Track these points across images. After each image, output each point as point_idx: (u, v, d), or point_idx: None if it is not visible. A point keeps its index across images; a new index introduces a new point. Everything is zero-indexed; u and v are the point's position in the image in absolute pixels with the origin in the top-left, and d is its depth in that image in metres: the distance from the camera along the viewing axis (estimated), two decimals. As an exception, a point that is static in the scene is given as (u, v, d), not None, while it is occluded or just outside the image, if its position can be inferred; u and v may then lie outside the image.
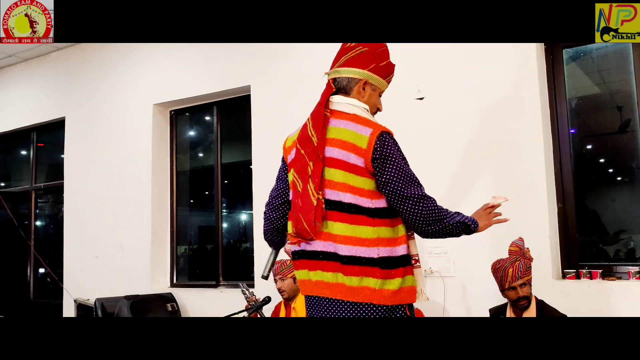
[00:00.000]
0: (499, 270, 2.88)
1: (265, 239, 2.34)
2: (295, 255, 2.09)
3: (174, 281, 5.02)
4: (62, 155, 5.67)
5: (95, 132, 5.37)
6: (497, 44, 3.46)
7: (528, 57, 3.42)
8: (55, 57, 5.77)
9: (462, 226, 1.98)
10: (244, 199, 4.85)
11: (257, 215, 4.36)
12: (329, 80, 2.08)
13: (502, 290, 2.90)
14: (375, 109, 2.12)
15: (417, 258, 2.01)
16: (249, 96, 4.54)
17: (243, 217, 5.17)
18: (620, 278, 3.21)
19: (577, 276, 3.28)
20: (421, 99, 3.41)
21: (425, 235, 1.98)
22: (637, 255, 3.44)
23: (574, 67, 3.71)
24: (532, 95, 3.40)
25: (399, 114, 3.46)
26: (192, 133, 5.32)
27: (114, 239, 5.10)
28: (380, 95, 2.13)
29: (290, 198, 2.09)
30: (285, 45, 4.31)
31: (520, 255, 2.90)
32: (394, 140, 1.96)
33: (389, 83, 2.13)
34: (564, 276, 3.32)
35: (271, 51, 4.39)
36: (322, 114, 1.99)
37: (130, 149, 5.11)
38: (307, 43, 4.19)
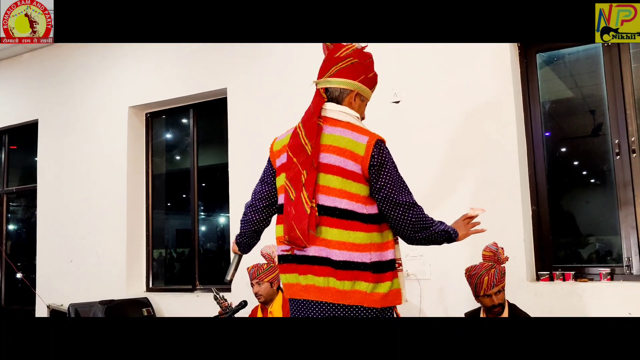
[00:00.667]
0: (474, 277, 2.85)
1: (238, 241, 2.34)
2: (284, 259, 2.10)
3: (150, 285, 4.96)
4: (35, 159, 5.57)
5: (70, 135, 5.29)
6: (472, 48, 3.49)
7: (503, 60, 3.46)
8: (27, 58, 5.67)
9: (445, 235, 2.09)
10: (222, 202, 4.82)
11: (233, 219, 4.34)
12: (319, 90, 2.10)
13: (477, 296, 2.89)
14: (361, 118, 2.18)
15: (400, 262, 2.08)
16: (225, 99, 4.52)
17: (221, 220, 5.14)
18: (592, 279, 3.26)
19: (551, 278, 3.32)
20: (397, 102, 3.43)
21: (412, 241, 2.06)
22: (608, 257, 3.50)
23: (547, 71, 3.76)
24: (507, 99, 3.43)
25: (375, 117, 3.46)
26: (168, 136, 5.27)
27: (89, 243, 5.03)
28: (365, 105, 2.19)
29: (280, 202, 2.11)
30: (262, 48, 4.30)
31: (494, 261, 2.88)
32: (387, 148, 2.03)
33: (372, 93, 2.19)
34: (537, 278, 3.36)
35: (248, 54, 4.37)
36: (315, 124, 2.01)
37: (105, 152, 5.04)
38: (283, 46, 4.19)
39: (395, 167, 2.02)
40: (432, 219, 2.06)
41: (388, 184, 1.97)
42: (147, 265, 4.99)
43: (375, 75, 2.17)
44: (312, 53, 4.06)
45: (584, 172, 3.84)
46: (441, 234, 2.07)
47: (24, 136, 5.87)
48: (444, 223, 2.10)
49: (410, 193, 2.03)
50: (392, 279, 2.00)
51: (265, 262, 3.48)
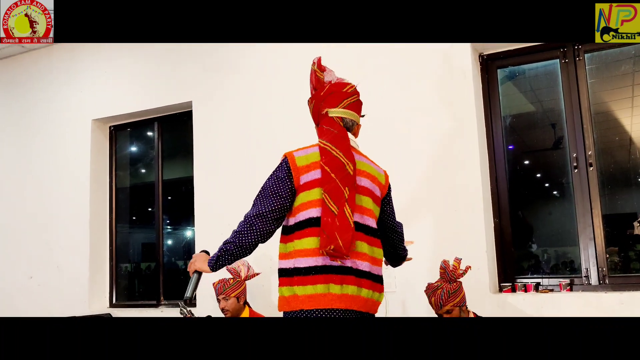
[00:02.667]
0: (429, 298, 2.85)
1: (235, 251, 2.15)
2: (324, 270, 2.08)
3: (114, 301, 4.86)
4: (-5, 172, 5.43)
5: (31, 147, 5.17)
6: (433, 61, 3.55)
7: (464, 75, 3.52)
8: (-12, 69, 5.55)
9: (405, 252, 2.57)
10: (187, 216, 4.77)
11: (198, 233, 4.29)
12: (335, 118, 2.26)
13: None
14: None
15: None
16: (190, 112, 4.49)
17: (188, 233, 5.08)
18: (552, 290, 3.32)
19: (513, 289, 3.37)
20: (362, 116, 3.45)
21: (399, 260, 2.51)
22: (568, 267, 3.57)
23: (509, 86, 3.84)
24: (469, 113, 3.48)
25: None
26: (132, 149, 5.20)
27: (50, 259, 4.91)
28: None
29: (314, 215, 2.11)
30: (226, 61, 4.30)
31: (443, 278, 2.84)
32: None
33: None
34: (500, 289, 3.41)
35: (212, 67, 4.36)
36: (350, 147, 2.21)
37: (68, 166, 4.94)
38: (248, 59, 4.20)
39: None
40: None
41: (393, 210, 2.40)
42: (110, 281, 4.89)
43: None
44: (277, 66, 4.10)
45: (546, 185, 3.92)
46: (405, 252, 2.49)
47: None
48: None
49: None
50: None
51: (232, 277, 3.45)
